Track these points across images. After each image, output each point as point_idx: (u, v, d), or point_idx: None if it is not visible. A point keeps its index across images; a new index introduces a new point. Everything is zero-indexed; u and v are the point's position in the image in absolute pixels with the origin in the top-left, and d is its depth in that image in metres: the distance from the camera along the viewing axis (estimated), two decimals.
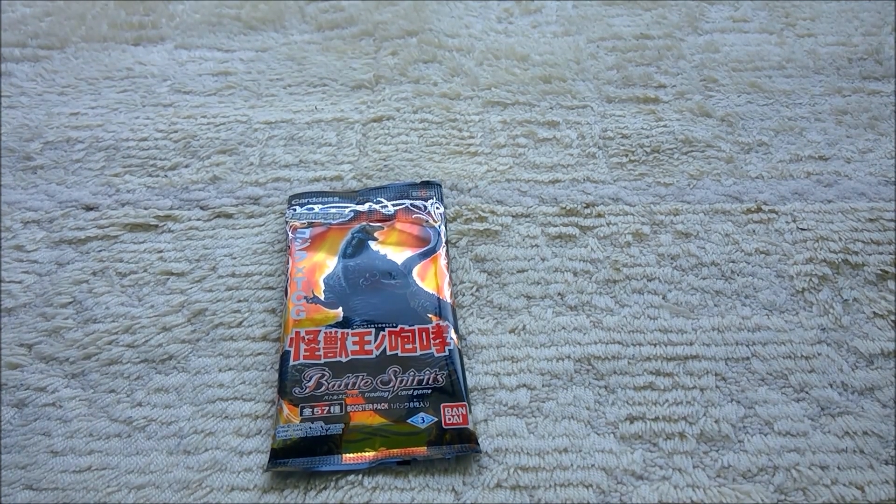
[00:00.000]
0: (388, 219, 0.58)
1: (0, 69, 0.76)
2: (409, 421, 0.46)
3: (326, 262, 0.55)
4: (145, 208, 0.61)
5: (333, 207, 0.59)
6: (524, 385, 0.49)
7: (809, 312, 0.53)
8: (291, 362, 0.49)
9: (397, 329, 0.50)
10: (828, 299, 0.54)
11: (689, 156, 0.65)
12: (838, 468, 0.44)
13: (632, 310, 0.53)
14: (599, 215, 0.60)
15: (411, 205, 0.59)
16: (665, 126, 0.68)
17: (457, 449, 0.45)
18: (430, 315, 0.51)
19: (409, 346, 0.49)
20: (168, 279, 0.56)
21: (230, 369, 0.50)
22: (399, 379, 0.48)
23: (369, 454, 0.45)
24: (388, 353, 0.49)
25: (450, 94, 0.72)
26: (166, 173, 0.64)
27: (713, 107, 0.70)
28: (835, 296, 0.54)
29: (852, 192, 0.62)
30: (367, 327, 0.50)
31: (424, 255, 0.55)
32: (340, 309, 0.52)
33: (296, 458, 0.44)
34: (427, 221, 0.58)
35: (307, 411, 0.46)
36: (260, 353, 0.51)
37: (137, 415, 0.48)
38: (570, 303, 0.54)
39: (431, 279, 0.54)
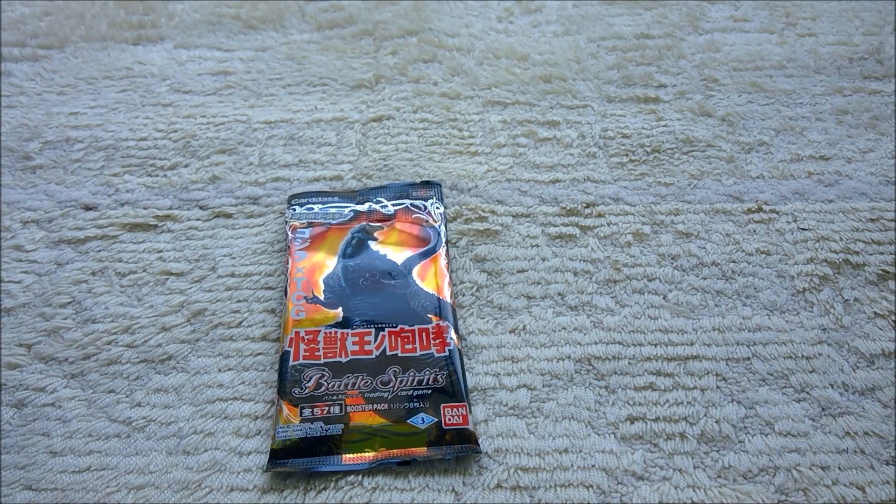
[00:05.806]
0: (387, 219, 0.58)
1: None
2: (409, 421, 0.46)
3: (326, 262, 0.54)
4: (144, 208, 0.61)
5: (333, 207, 0.59)
6: (524, 385, 0.49)
7: (810, 312, 0.53)
8: (291, 362, 0.48)
9: (397, 329, 0.50)
10: (829, 299, 0.54)
11: (690, 155, 0.65)
12: (839, 469, 0.44)
13: (632, 310, 0.53)
14: (600, 215, 0.60)
15: (411, 204, 0.59)
16: (665, 126, 0.68)
17: (457, 449, 0.45)
18: (430, 315, 0.51)
19: (409, 347, 0.49)
20: (167, 279, 0.56)
21: (230, 369, 0.50)
22: (399, 379, 0.48)
23: (369, 455, 0.45)
24: (388, 353, 0.49)
25: (450, 94, 0.72)
26: (165, 173, 0.64)
27: (714, 106, 0.70)
28: (836, 296, 0.54)
29: (853, 191, 0.61)
30: (367, 327, 0.50)
31: (424, 255, 0.55)
32: (340, 309, 0.51)
33: (295, 458, 0.44)
34: (427, 221, 0.58)
35: (307, 412, 0.46)
36: (259, 354, 0.51)
37: (137, 415, 0.48)
38: (571, 303, 0.54)
39: (431, 279, 0.53)
